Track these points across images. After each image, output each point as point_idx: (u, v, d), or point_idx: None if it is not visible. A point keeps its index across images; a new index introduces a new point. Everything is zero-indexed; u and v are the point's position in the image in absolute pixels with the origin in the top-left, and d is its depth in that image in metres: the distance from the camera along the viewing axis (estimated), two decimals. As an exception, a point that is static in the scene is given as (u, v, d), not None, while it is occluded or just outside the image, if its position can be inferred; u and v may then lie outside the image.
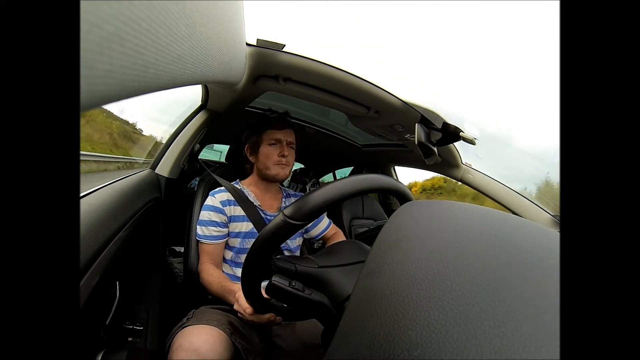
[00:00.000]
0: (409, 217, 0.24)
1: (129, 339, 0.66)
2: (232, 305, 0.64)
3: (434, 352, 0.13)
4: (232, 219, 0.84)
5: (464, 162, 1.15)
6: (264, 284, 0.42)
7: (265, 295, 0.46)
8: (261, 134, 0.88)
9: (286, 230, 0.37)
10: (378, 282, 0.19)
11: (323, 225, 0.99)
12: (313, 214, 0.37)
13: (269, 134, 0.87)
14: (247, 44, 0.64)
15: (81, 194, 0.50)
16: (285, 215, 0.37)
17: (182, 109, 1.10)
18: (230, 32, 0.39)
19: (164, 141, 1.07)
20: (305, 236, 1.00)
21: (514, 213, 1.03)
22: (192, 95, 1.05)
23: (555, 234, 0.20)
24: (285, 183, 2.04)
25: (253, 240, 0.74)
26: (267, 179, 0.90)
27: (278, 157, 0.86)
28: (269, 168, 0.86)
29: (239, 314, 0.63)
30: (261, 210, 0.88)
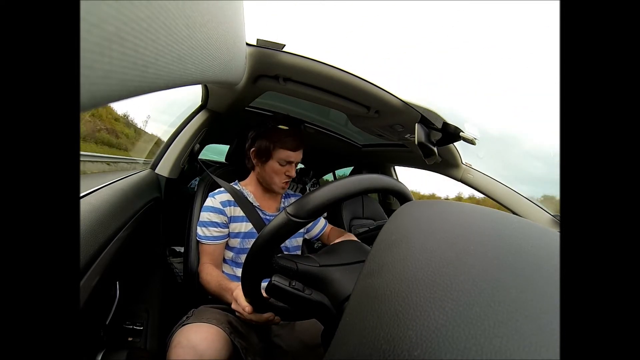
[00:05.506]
0: (409, 217, 0.24)
1: (129, 339, 0.66)
2: (230, 304, 0.64)
3: (434, 352, 0.13)
4: (232, 219, 0.84)
5: (464, 162, 1.15)
6: (264, 283, 0.42)
7: (264, 295, 0.46)
8: (274, 149, 0.83)
9: (289, 228, 0.37)
10: (378, 282, 0.19)
11: (321, 223, 1.01)
12: (316, 212, 0.37)
13: (281, 153, 0.82)
14: (247, 44, 0.64)
15: (81, 194, 0.50)
16: (289, 213, 0.37)
17: (182, 109, 1.10)
18: (230, 32, 0.39)
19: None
20: (306, 236, 1.01)
21: (514, 213, 1.03)
22: (192, 96, 1.05)
23: (555, 234, 0.20)
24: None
25: (253, 240, 0.74)
26: (267, 189, 0.91)
27: (285, 176, 0.85)
28: (275, 184, 0.86)
29: (237, 313, 0.63)
30: (260, 210, 0.88)
